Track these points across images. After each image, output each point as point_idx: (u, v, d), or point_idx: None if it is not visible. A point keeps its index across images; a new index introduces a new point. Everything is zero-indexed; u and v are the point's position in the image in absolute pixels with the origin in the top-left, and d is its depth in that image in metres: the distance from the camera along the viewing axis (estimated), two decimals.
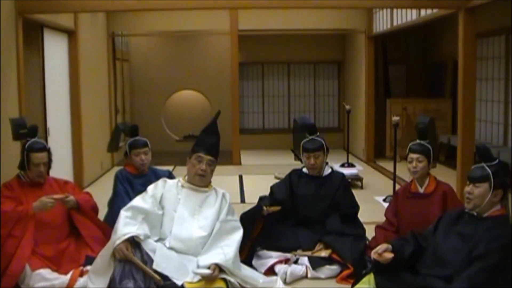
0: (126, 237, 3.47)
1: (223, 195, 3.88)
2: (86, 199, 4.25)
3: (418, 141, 4.22)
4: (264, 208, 4.36)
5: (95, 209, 4.27)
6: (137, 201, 3.77)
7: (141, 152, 4.64)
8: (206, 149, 3.80)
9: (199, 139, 3.88)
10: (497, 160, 3.22)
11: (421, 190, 4.19)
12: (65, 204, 4.03)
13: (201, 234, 3.69)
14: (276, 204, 4.45)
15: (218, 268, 3.52)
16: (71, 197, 4.06)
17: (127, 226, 3.55)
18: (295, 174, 4.77)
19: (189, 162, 3.84)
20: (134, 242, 3.52)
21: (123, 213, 3.65)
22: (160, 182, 3.90)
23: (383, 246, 3.22)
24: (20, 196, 3.95)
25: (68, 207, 4.07)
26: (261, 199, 4.64)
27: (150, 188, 3.85)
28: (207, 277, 3.45)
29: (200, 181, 3.81)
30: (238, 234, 3.78)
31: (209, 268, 3.49)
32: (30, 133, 4.11)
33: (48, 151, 4.12)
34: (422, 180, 4.19)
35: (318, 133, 4.68)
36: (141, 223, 3.61)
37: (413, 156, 4.16)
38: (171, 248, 3.63)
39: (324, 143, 4.62)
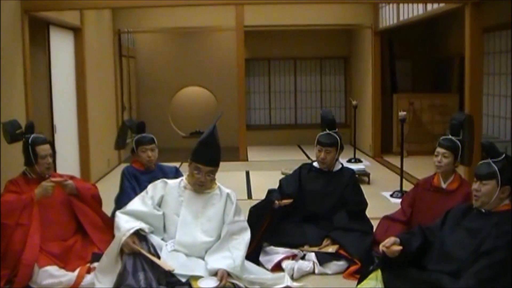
0: (131, 231, 3.46)
1: (228, 196, 3.75)
2: (87, 187, 4.28)
3: (449, 136, 4.14)
4: (276, 202, 4.32)
5: (96, 198, 4.27)
6: (135, 204, 3.68)
7: (148, 148, 4.64)
8: (205, 161, 3.61)
9: (198, 149, 3.64)
10: (503, 155, 3.18)
11: (443, 186, 4.13)
12: (64, 188, 4.05)
13: (205, 240, 3.62)
14: (284, 198, 4.43)
15: (227, 273, 3.45)
16: (70, 181, 4.09)
17: (129, 222, 3.53)
18: (305, 168, 4.75)
19: (189, 166, 3.70)
20: (140, 236, 3.51)
21: (122, 216, 3.59)
22: (159, 184, 3.77)
23: (391, 239, 3.21)
24: (26, 192, 3.95)
25: (67, 191, 4.09)
26: (270, 192, 4.60)
27: (149, 188, 3.75)
28: None
29: (200, 189, 3.71)
30: (247, 236, 3.71)
31: (215, 274, 3.43)
32: (28, 130, 4.12)
33: (49, 143, 4.14)
34: (446, 176, 4.12)
35: (336, 129, 4.65)
36: (141, 223, 3.58)
37: (440, 150, 4.08)
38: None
39: (339, 140, 4.58)
